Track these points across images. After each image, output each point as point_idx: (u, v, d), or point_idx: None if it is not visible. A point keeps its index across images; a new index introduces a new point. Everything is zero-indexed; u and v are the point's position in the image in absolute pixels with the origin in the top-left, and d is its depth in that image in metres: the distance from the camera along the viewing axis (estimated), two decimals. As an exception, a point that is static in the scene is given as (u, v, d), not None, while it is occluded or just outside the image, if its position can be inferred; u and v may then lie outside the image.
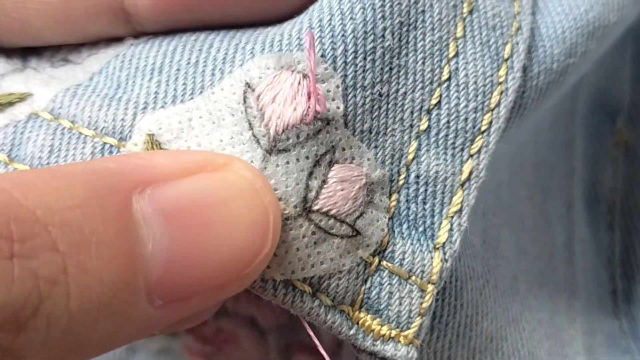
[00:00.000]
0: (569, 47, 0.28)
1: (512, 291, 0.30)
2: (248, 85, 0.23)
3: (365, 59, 0.24)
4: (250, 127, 0.22)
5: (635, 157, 0.39)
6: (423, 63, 0.25)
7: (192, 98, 0.23)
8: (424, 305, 0.24)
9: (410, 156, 0.25)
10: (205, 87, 0.23)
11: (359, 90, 0.24)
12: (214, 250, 0.20)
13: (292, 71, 0.23)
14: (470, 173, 0.25)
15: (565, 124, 0.37)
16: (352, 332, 0.24)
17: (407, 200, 0.25)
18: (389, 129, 0.24)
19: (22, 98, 0.24)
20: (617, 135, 0.39)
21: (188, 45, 0.24)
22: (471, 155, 0.25)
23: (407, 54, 0.24)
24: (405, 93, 0.25)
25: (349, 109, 0.23)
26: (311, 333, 0.23)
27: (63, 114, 0.23)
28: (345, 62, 0.23)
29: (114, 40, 0.26)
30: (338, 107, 0.23)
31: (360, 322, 0.24)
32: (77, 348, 0.18)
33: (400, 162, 0.25)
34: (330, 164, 0.23)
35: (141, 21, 0.25)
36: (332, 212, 0.23)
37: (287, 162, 0.22)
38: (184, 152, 0.22)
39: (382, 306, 0.24)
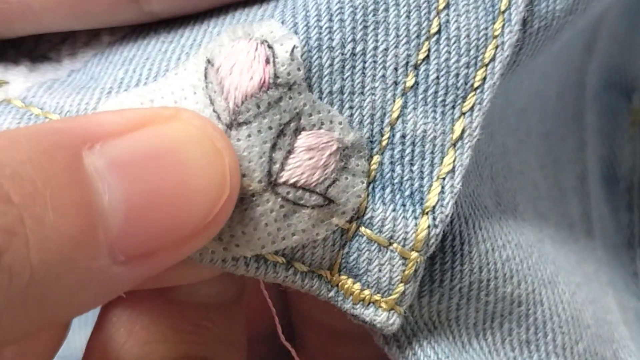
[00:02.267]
0: (572, 3, 0.25)
1: (541, 252, 0.28)
2: (209, 61, 0.22)
3: (331, 20, 0.23)
4: (211, 102, 0.22)
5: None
6: (408, 17, 0.23)
7: (155, 80, 0.23)
8: (407, 272, 0.23)
9: (395, 114, 0.23)
10: (170, 69, 0.23)
11: (325, 51, 0.22)
12: (171, 198, 0.19)
13: (249, 40, 0.22)
14: (463, 132, 0.24)
15: (574, 97, 0.34)
16: (331, 294, 0.24)
17: (391, 162, 0.23)
18: (367, 88, 0.23)
19: None
20: (633, 115, 0.37)
21: (161, 38, 0.24)
22: (463, 113, 0.24)
23: (386, 10, 0.23)
24: (386, 49, 0.23)
25: (314, 71, 0.22)
26: (266, 294, 0.23)
27: (34, 103, 0.24)
28: (307, 25, 0.22)
29: (93, 39, 0.26)
30: (299, 70, 0.22)
31: (340, 284, 0.24)
32: (41, 306, 0.18)
33: (382, 122, 0.23)
34: (297, 132, 0.22)
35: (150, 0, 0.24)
36: (300, 183, 0.22)
37: (249, 135, 0.21)
38: (131, 109, 0.22)
39: (361, 271, 0.23)
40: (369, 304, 0.24)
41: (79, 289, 0.18)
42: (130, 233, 0.19)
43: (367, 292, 0.23)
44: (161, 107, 0.21)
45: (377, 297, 0.24)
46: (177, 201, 0.19)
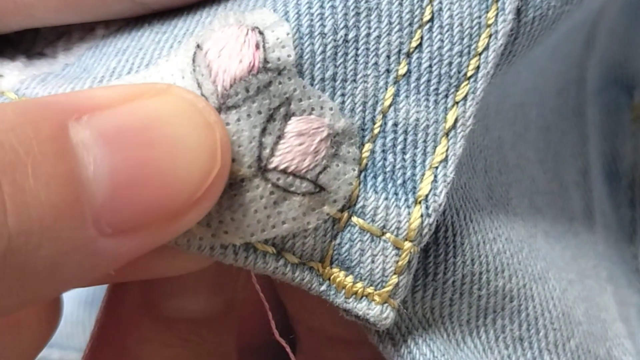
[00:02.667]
0: None
1: (532, 248, 0.28)
2: (198, 45, 0.22)
3: (322, 7, 0.22)
4: (199, 86, 0.21)
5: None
6: (400, 4, 0.23)
7: (147, 68, 0.23)
8: (400, 263, 0.23)
9: (387, 103, 0.23)
10: (162, 57, 0.23)
11: (317, 37, 0.22)
12: (159, 171, 0.19)
13: (240, 26, 0.22)
14: (456, 121, 0.23)
15: (575, 92, 0.34)
16: (322, 288, 0.23)
17: (383, 151, 0.23)
18: (360, 75, 0.23)
19: None
20: (635, 111, 0.37)
21: (155, 29, 0.24)
22: (456, 102, 0.23)
23: None
24: (379, 36, 0.23)
25: (305, 57, 0.22)
26: (262, 295, 0.23)
27: (27, 94, 0.24)
28: (298, 12, 0.22)
29: (88, 33, 0.25)
30: (289, 56, 0.22)
31: (332, 277, 0.23)
32: (22, 276, 0.17)
33: (375, 110, 0.23)
34: (287, 117, 0.22)
35: None
36: (291, 169, 0.22)
37: (238, 120, 0.21)
38: (121, 85, 0.22)
39: (354, 263, 0.23)
40: (361, 297, 0.23)
41: (62, 260, 0.18)
42: (117, 205, 0.18)
43: (359, 284, 0.23)
44: (152, 82, 0.21)
45: (370, 289, 0.23)
46: (165, 174, 0.19)
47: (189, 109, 0.20)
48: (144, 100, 0.20)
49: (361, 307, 0.23)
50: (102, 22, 0.25)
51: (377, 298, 0.23)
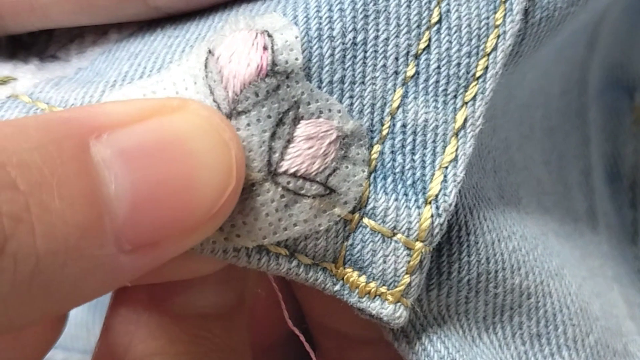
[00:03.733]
0: None
1: (546, 245, 0.28)
2: (209, 51, 0.22)
3: (331, 10, 0.23)
4: (211, 92, 0.22)
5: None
6: (408, 6, 0.23)
7: (159, 72, 0.23)
8: (412, 263, 0.23)
9: (395, 104, 0.23)
10: (174, 62, 0.23)
11: (325, 41, 0.22)
12: (178, 189, 0.19)
13: (250, 30, 0.22)
14: (465, 121, 0.23)
15: (577, 94, 0.34)
16: (336, 288, 0.23)
17: (392, 152, 0.23)
18: (368, 78, 0.23)
19: (5, 81, 0.25)
20: (636, 112, 0.37)
21: (167, 33, 0.24)
22: (465, 103, 0.23)
23: None
24: (387, 39, 0.23)
25: (314, 61, 0.22)
26: (279, 294, 0.23)
27: (41, 98, 0.24)
28: (307, 16, 0.22)
29: (101, 37, 0.26)
30: (296, 59, 0.22)
31: (345, 277, 0.23)
32: (47, 293, 0.18)
33: (383, 111, 0.23)
34: (295, 121, 0.22)
35: None
36: (300, 172, 0.22)
37: (248, 124, 0.21)
38: (138, 99, 0.22)
39: (366, 263, 0.23)
40: (374, 296, 0.23)
41: (84, 277, 0.18)
42: (136, 222, 0.19)
43: (372, 284, 0.23)
44: (168, 97, 0.21)
45: (382, 289, 0.23)
46: (183, 192, 0.19)
47: (206, 127, 0.20)
48: (161, 116, 0.20)
49: (374, 307, 0.23)
50: (115, 26, 0.26)
51: (390, 297, 0.23)
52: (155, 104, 0.20)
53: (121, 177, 0.19)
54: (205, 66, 0.22)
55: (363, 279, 0.23)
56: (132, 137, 0.19)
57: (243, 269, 0.23)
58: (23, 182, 0.17)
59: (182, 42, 0.24)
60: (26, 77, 0.25)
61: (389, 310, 0.23)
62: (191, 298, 0.26)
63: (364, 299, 0.23)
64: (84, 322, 0.40)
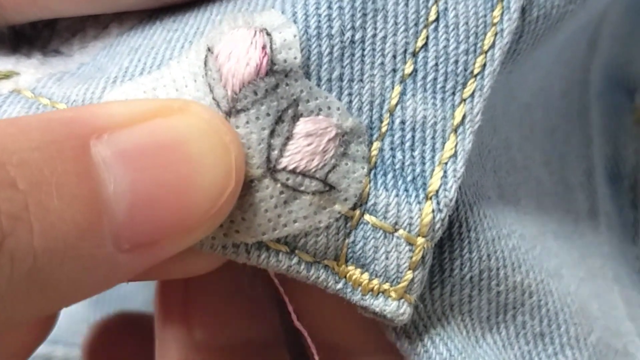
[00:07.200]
0: None
1: (544, 246, 0.28)
2: (209, 49, 0.22)
3: (330, 7, 0.23)
4: (211, 90, 0.22)
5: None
6: (406, 5, 0.23)
7: (159, 69, 0.23)
8: (414, 259, 0.23)
9: (394, 101, 0.23)
10: (174, 58, 0.23)
11: (324, 39, 0.23)
12: (177, 191, 0.20)
13: (248, 27, 0.22)
14: (464, 117, 0.23)
15: (578, 93, 0.34)
16: (339, 286, 0.23)
17: (391, 148, 0.23)
18: (366, 75, 0.23)
19: (7, 76, 0.25)
20: (636, 113, 0.37)
21: (167, 27, 0.25)
22: (464, 100, 0.24)
23: None
24: (385, 37, 0.23)
25: (313, 59, 0.23)
26: (281, 289, 0.23)
27: (43, 93, 0.24)
28: (306, 14, 0.23)
29: (102, 31, 0.26)
30: (295, 58, 0.22)
31: (347, 275, 0.23)
32: (44, 292, 0.18)
33: (382, 109, 0.23)
34: (295, 118, 0.22)
35: None
36: (300, 169, 0.22)
37: (247, 122, 0.22)
38: (139, 100, 0.22)
39: (369, 260, 0.23)
40: (378, 294, 0.23)
41: (82, 276, 0.19)
42: (134, 223, 0.19)
43: (375, 281, 0.23)
44: (170, 99, 0.22)
45: (386, 286, 0.23)
46: (182, 194, 0.20)
47: (206, 129, 0.20)
48: (162, 118, 0.20)
49: (378, 304, 0.23)
50: (116, 19, 0.26)
51: (393, 294, 0.23)
52: (157, 105, 0.21)
53: (121, 177, 0.19)
54: (205, 64, 0.22)
55: (366, 276, 0.23)
56: (132, 138, 0.19)
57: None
58: (23, 181, 0.17)
59: (181, 36, 0.24)
60: (29, 71, 0.25)
61: (393, 306, 0.23)
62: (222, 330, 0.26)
63: (367, 297, 0.23)
64: (84, 318, 0.40)
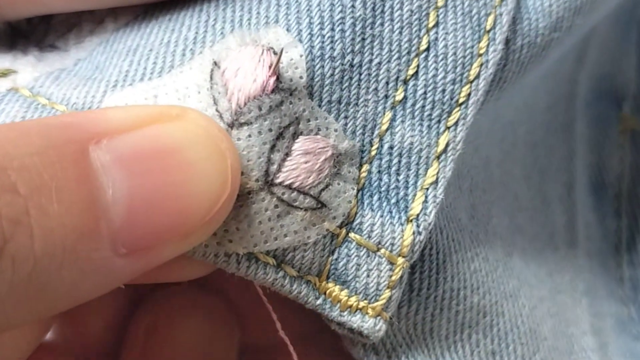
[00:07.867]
0: (555, 21, 0.27)
1: (507, 267, 0.29)
2: (215, 63, 0.23)
3: (333, 29, 0.24)
4: (215, 102, 0.22)
5: (642, 144, 0.38)
6: (400, 33, 0.24)
7: (160, 76, 0.23)
8: (393, 278, 0.24)
9: (384, 127, 0.24)
10: (175, 66, 0.23)
11: (327, 60, 0.23)
12: (174, 196, 0.20)
13: (256, 46, 0.23)
14: (447, 145, 0.25)
15: (564, 107, 0.36)
16: (318, 302, 0.24)
17: (379, 172, 0.24)
18: (361, 100, 0.24)
19: (5, 74, 0.25)
20: (623, 122, 0.38)
21: (163, 26, 0.25)
22: (448, 128, 0.25)
23: (382, 24, 0.24)
24: (380, 63, 0.24)
25: (316, 80, 0.23)
26: (265, 301, 0.23)
27: (42, 93, 0.24)
28: (311, 33, 0.23)
29: (97, 26, 0.26)
30: (301, 77, 0.23)
31: (327, 292, 0.24)
32: (43, 295, 0.18)
33: (373, 133, 0.24)
34: (295, 135, 0.23)
35: None
36: (295, 185, 0.23)
37: (249, 135, 0.22)
38: (138, 105, 0.22)
39: (350, 277, 0.24)
40: (355, 310, 0.24)
41: (80, 279, 0.19)
42: (132, 227, 0.19)
43: (354, 298, 0.24)
44: (168, 105, 0.22)
45: (363, 303, 0.24)
46: (178, 199, 0.20)
47: (203, 136, 0.21)
48: (160, 124, 0.20)
49: (355, 320, 0.24)
50: (111, 14, 0.26)
51: (370, 311, 0.24)
52: (155, 111, 0.21)
53: (119, 182, 0.19)
54: (211, 77, 0.22)
55: (345, 293, 0.24)
56: (130, 143, 0.20)
57: None
58: (23, 186, 0.18)
59: (180, 40, 0.24)
60: (26, 69, 0.25)
61: (370, 324, 0.24)
62: None
63: (344, 313, 0.24)
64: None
